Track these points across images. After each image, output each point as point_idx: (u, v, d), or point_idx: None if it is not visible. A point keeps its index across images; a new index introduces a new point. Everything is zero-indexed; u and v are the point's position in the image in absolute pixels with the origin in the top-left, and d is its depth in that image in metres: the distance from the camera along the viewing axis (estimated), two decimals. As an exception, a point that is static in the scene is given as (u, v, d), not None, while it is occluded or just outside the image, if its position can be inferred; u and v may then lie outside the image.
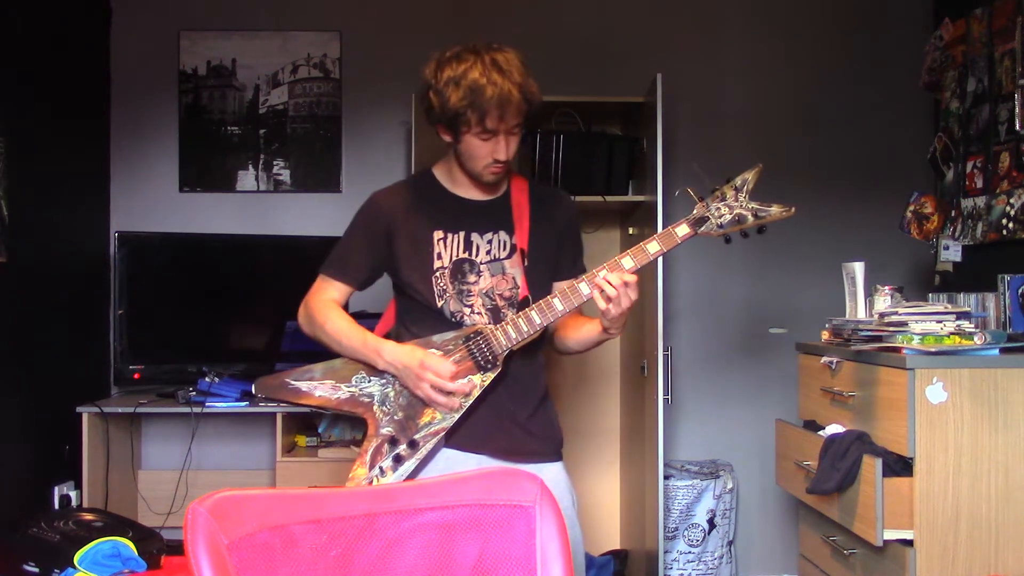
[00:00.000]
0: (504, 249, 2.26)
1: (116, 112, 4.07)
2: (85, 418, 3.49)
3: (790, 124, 4.13)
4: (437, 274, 2.23)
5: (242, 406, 3.60)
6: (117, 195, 4.07)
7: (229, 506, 1.52)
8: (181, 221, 4.03)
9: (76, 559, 2.91)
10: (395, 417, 2.20)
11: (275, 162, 4.11)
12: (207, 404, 3.56)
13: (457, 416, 2.17)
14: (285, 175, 4.12)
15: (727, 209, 2.14)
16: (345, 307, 2.33)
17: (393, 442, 2.19)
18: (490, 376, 2.17)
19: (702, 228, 2.15)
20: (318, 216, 4.07)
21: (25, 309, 3.34)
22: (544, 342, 2.33)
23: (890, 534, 2.45)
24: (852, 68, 4.12)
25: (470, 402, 2.17)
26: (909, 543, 2.43)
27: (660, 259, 3.31)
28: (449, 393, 2.14)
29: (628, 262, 2.13)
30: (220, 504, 1.50)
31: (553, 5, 4.15)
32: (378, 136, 4.11)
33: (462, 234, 2.25)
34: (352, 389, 2.24)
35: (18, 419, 3.30)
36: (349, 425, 3.76)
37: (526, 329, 2.15)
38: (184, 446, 3.72)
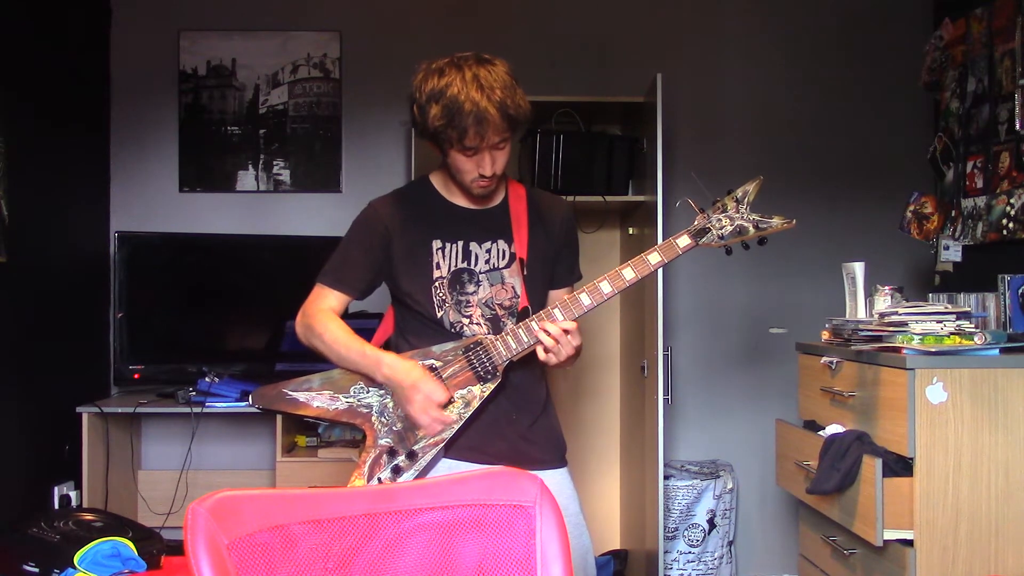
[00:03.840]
0: (503, 258, 2.24)
1: (116, 112, 4.07)
2: (85, 418, 3.49)
3: (790, 124, 4.13)
4: (436, 284, 2.21)
5: (242, 406, 3.60)
6: (117, 195, 4.07)
7: (229, 506, 1.52)
8: (181, 221, 4.03)
9: (76, 559, 2.91)
10: (394, 428, 2.19)
11: (275, 162, 4.11)
12: (207, 404, 3.56)
13: (456, 427, 2.16)
14: (285, 175, 4.12)
15: (728, 220, 2.15)
16: (344, 314, 2.30)
17: (392, 453, 2.17)
18: (490, 387, 2.16)
19: (703, 239, 2.16)
20: (318, 216, 4.07)
21: (25, 309, 3.33)
22: None
23: (890, 534, 2.45)
24: (852, 68, 4.12)
25: (470, 412, 2.16)
26: (909, 543, 2.43)
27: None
28: (435, 419, 2.12)
29: (629, 273, 2.13)
30: (220, 504, 1.50)
31: (553, 5, 4.15)
32: (378, 136, 4.11)
33: (460, 243, 2.23)
34: (350, 400, 2.22)
35: (18, 419, 3.30)
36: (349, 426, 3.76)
37: (526, 340, 2.14)
38: (184, 446, 3.72)
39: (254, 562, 1.52)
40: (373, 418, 2.21)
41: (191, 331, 3.92)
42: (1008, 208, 3.27)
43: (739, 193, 2.17)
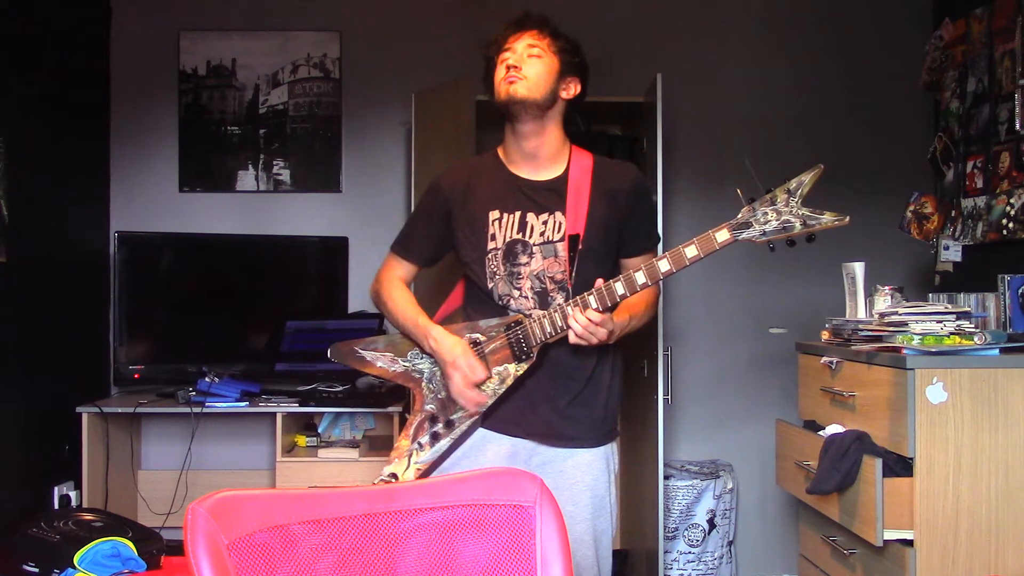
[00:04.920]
0: (558, 232, 2.25)
1: (116, 112, 4.07)
2: (85, 418, 3.49)
3: (790, 124, 4.13)
4: (490, 255, 2.26)
5: (242, 406, 3.60)
6: (117, 195, 4.07)
7: (229, 506, 1.52)
8: (181, 221, 4.03)
9: (76, 559, 2.91)
10: (438, 396, 2.29)
11: (275, 162, 4.11)
12: (207, 404, 3.56)
13: (491, 401, 2.23)
14: (285, 175, 4.12)
15: (775, 214, 2.02)
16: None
17: (433, 420, 2.28)
18: (524, 366, 2.21)
19: (744, 234, 2.04)
20: (318, 216, 4.07)
21: (25, 309, 3.33)
22: None
23: (890, 534, 2.45)
24: (852, 68, 4.12)
25: (504, 389, 2.23)
26: (909, 543, 2.43)
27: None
28: (470, 399, 2.22)
29: (664, 265, 2.09)
30: (220, 504, 1.50)
31: (553, 5, 4.11)
32: (378, 136, 4.11)
33: (518, 214, 2.26)
34: (407, 364, 2.35)
35: (18, 419, 3.30)
36: (349, 425, 3.76)
37: (561, 324, 2.16)
38: (184, 446, 3.72)
39: (254, 562, 1.52)
40: (423, 384, 2.33)
41: (191, 331, 3.92)
42: (1008, 208, 3.27)
43: (792, 184, 2.03)
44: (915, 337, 2.49)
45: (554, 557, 1.68)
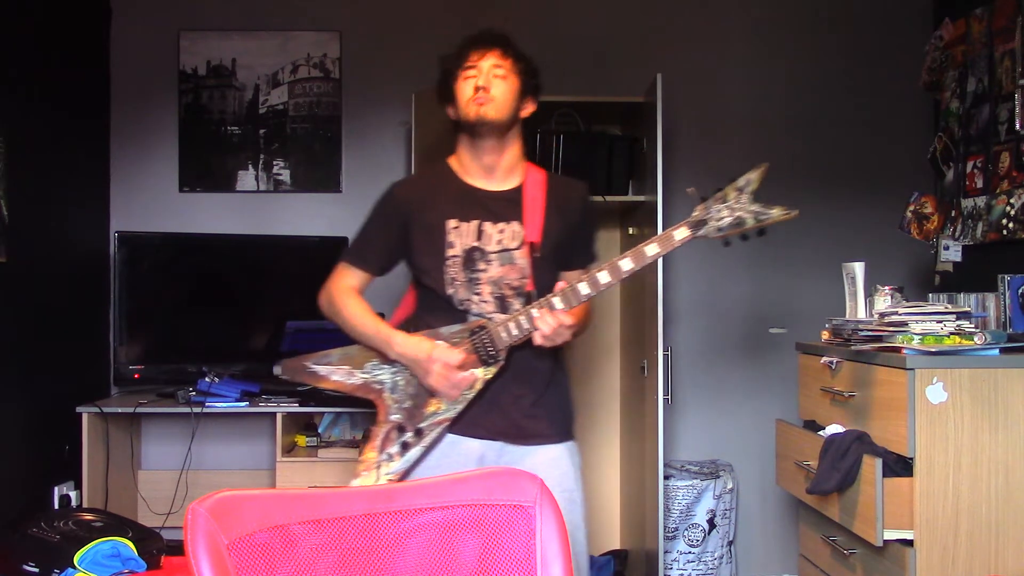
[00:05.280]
0: (515, 240, 2.31)
1: (116, 112, 4.07)
2: (85, 418, 3.49)
3: (790, 124, 4.13)
4: (449, 262, 2.30)
5: (242, 406, 3.60)
6: (117, 195, 4.07)
7: (229, 506, 1.52)
8: (181, 221, 4.03)
9: (76, 559, 2.91)
10: (403, 405, 2.29)
11: (275, 162, 4.11)
12: (207, 404, 3.56)
13: (462, 407, 2.25)
14: (285, 175, 4.12)
15: (728, 211, 2.14)
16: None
17: (400, 429, 2.28)
18: (492, 370, 2.25)
19: (701, 231, 2.16)
20: (318, 216, 4.07)
21: (25, 309, 3.33)
22: None
23: (890, 534, 2.45)
24: (852, 68, 4.12)
25: (473, 394, 2.26)
26: (909, 543, 2.43)
27: (660, 259, 3.34)
28: (457, 383, 2.23)
29: (627, 264, 2.18)
30: (220, 504, 1.50)
31: (553, 5, 4.15)
32: (378, 136, 4.11)
33: (475, 223, 2.31)
34: (365, 375, 2.34)
35: (18, 419, 3.30)
36: (349, 425, 3.76)
37: (527, 326, 2.22)
38: (184, 446, 3.72)
39: (254, 562, 1.52)
40: (385, 394, 2.32)
41: (191, 331, 3.92)
42: (1008, 208, 3.27)
43: (741, 182, 2.15)
44: (915, 337, 2.49)
45: (554, 557, 1.68)
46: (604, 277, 2.18)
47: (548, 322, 2.17)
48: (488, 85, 2.27)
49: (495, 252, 2.29)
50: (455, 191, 2.35)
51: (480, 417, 2.28)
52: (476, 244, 2.30)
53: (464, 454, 2.28)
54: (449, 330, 2.27)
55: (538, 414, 2.32)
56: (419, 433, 2.27)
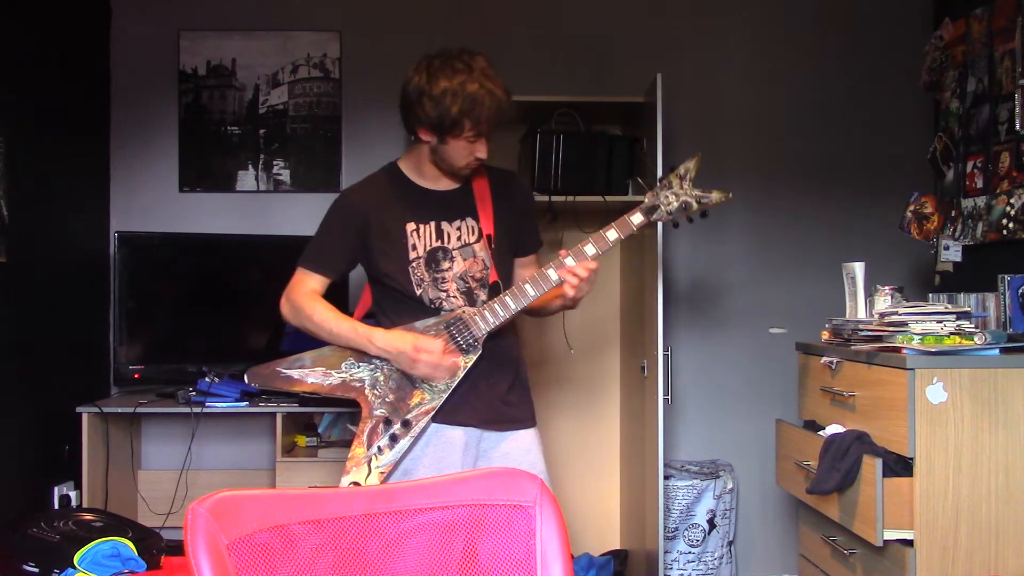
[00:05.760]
0: (473, 234, 2.42)
1: (116, 112, 4.07)
2: (85, 418, 3.49)
3: (790, 124, 4.12)
4: (413, 264, 2.38)
5: (242, 406, 3.60)
6: (117, 195, 4.07)
7: (229, 506, 1.52)
8: (181, 221, 4.03)
9: (76, 559, 2.91)
10: (387, 399, 2.34)
11: (275, 162, 4.11)
12: (207, 404, 3.56)
13: (446, 395, 2.33)
14: (285, 175, 4.12)
15: (674, 197, 2.38)
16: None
17: (387, 423, 2.33)
18: (472, 358, 2.34)
19: (654, 215, 2.39)
20: (318, 216, 4.00)
21: (25, 309, 3.33)
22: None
23: (890, 534, 2.45)
24: (852, 68, 4.12)
25: (455, 382, 2.33)
26: (909, 543, 2.43)
27: (660, 259, 3.35)
28: (448, 367, 2.31)
29: (590, 249, 2.35)
30: (220, 504, 1.50)
31: (553, 5, 4.14)
32: (378, 136, 4.11)
33: (433, 224, 2.40)
34: (343, 375, 2.37)
35: (18, 419, 3.30)
36: (349, 424, 3.76)
37: (502, 313, 2.33)
38: (184, 446, 3.72)
39: (254, 562, 1.52)
40: (366, 391, 2.36)
41: (191, 331, 3.92)
42: (1008, 208, 3.27)
43: (681, 170, 2.39)
44: (915, 337, 2.49)
45: (554, 557, 1.68)
46: (570, 261, 2.32)
47: (590, 266, 2.30)
48: (486, 153, 2.38)
49: (457, 248, 2.39)
50: (409, 194, 2.43)
51: (462, 405, 2.36)
52: (438, 244, 2.39)
53: (448, 442, 2.36)
54: (424, 324, 2.34)
55: (513, 400, 2.44)
56: (406, 424, 2.32)
